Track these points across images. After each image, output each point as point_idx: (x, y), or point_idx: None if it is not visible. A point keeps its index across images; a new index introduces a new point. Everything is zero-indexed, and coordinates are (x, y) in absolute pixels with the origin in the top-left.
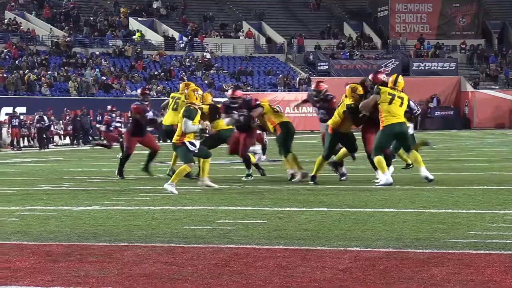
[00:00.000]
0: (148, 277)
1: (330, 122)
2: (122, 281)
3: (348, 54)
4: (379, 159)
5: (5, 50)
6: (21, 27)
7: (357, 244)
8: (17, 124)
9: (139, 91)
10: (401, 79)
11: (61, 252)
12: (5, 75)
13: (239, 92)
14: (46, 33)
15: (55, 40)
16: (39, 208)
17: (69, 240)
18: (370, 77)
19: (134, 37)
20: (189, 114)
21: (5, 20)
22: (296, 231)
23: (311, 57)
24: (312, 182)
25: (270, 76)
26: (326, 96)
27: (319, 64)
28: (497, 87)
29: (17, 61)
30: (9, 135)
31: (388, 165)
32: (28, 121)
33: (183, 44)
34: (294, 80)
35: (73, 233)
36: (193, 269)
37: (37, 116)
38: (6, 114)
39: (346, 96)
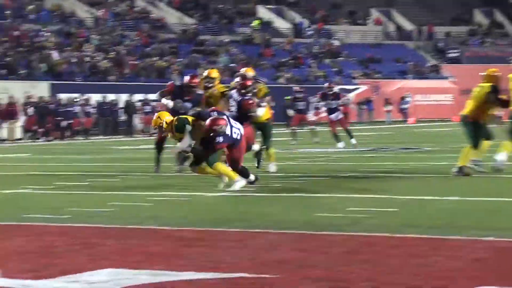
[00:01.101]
0: (280, 263)
1: (466, 111)
2: (254, 267)
3: (479, 41)
4: None
5: (136, 38)
6: (152, 15)
7: (491, 234)
8: (149, 110)
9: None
10: None
11: (194, 237)
12: (136, 62)
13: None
14: (175, 21)
15: (185, 27)
16: (172, 193)
17: (202, 225)
18: None
19: (252, 24)
20: None
21: (136, 9)
22: (428, 220)
23: (441, 44)
24: (458, 172)
25: (399, 64)
26: None
27: (449, 51)
28: None
29: (147, 49)
30: (141, 121)
31: None
32: (159, 107)
33: (311, 32)
34: (423, 67)
35: (205, 219)
36: (324, 257)
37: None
38: (139, 100)
39: (483, 83)
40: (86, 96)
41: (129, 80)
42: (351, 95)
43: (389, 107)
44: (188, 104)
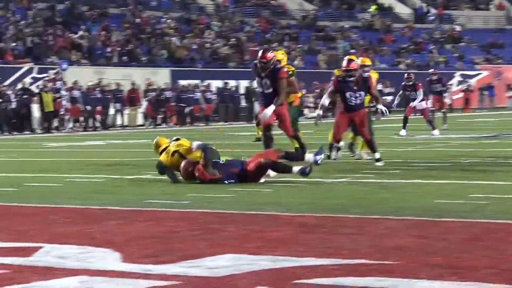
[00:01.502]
0: (400, 250)
1: None
2: (374, 253)
3: None
4: None
5: (256, 25)
6: (272, 2)
7: None
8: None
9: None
10: None
11: (314, 223)
12: (256, 48)
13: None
14: (296, 7)
15: (305, 14)
16: (292, 180)
17: (322, 211)
18: None
19: (369, 10)
20: None
21: None
22: None
23: None
24: None
25: None
26: None
27: None
28: None
29: (267, 35)
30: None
31: None
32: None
33: (432, 17)
34: None
35: (324, 205)
36: (444, 243)
37: None
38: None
39: None
40: (207, 82)
41: (249, 67)
42: (473, 81)
43: (511, 93)
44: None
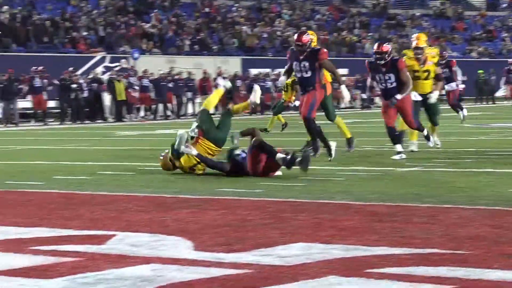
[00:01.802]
0: (473, 239)
1: None
2: (447, 243)
3: None
4: None
5: (327, 13)
6: None
7: None
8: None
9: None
10: None
11: (386, 212)
12: (327, 37)
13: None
14: None
15: (376, 1)
16: (363, 168)
17: (393, 200)
18: None
19: None
20: None
21: None
22: None
23: None
24: None
25: None
26: None
27: None
28: None
29: (338, 23)
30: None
31: None
32: (349, 82)
33: (505, 5)
34: None
35: (396, 194)
36: None
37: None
38: None
39: None
40: (277, 71)
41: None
42: None
43: None
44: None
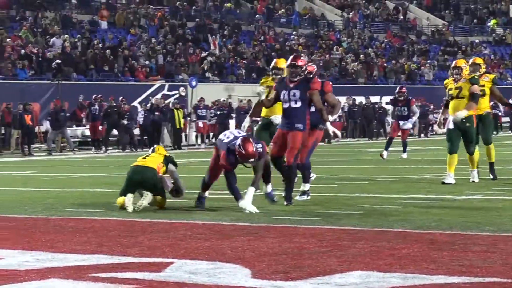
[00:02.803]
0: None
1: None
2: (507, 272)
3: None
4: None
5: (385, 40)
6: (401, 17)
7: None
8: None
9: None
10: None
11: (445, 241)
12: (385, 64)
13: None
14: (426, 22)
15: (435, 28)
16: (421, 196)
17: (452, 229)
18: None
19: (489, 24)
20: None
21: (386, 10)
22: None
23: None
24: None
25: None
26: None
27: None
28: None
29: (397, 51)
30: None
31: None
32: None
33: None
34: None
35: (455, 222)
36: None
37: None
38: (387, 103)
39: None
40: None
41: (378, 82)
42: None
43: None
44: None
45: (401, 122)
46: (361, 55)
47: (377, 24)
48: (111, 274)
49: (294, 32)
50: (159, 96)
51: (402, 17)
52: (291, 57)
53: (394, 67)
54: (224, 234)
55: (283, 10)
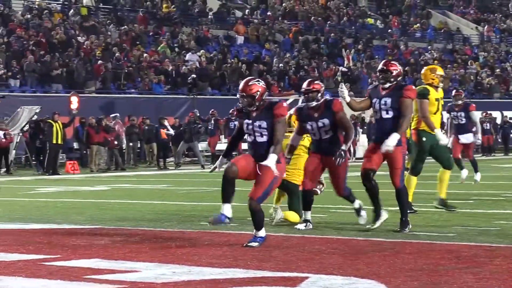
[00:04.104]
0: None
1: None
2: None
3: None
4: None
5: None
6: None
7: None
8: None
9: None
10: None
11: None
12: None
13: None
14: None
15: None
16: None
17: None
18: None
19: None
20: None
21: None
22: None
23: None
24: None
25: None
26: None
27: None
28: None
29: None
30: None
31: None
32: None
33: None
34: None
35: None
36: None
37: None
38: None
39: None
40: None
41: None
42: None
43: None
44: None
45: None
46: (497, 70)
47: None
48: None
49: (429, 47)
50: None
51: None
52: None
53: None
54: (359, 250)
55: (418, 24)
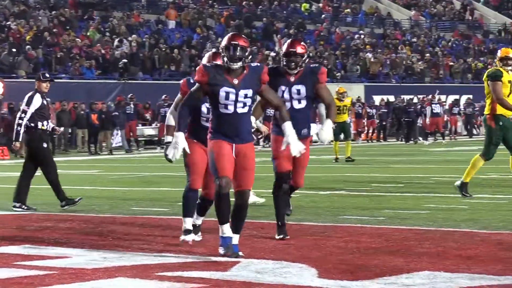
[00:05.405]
0: None
1: None
2: None
3: None
4: None
5: (452, 39)
6: (468, 16)
7: None
8: (470, 112)
9: None
10: None
11: None
12: (451, 63)
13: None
14: (493, 21)
15: (502, 27)
16: (488, 196)
17: None
18: None
19: None
20: None
21: (452, 9)
22: None
23: None
24: None
25: None
26: None
27: None
28: None
29: (463, 50)
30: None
31: None
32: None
33: None
34: None
35: None
36: None
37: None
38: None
39: None
40: (402, 97)
41: (444, 82)
42: None
43: None
44: None
45: None
46: (427, 54)
47: (443, 23)
48: (178, 273)
49: (360, 32)
50: None
51: (469, 17)
52: (289, 41)
53: (460, 66)
54: (290, 234)
55: (349, 9)
